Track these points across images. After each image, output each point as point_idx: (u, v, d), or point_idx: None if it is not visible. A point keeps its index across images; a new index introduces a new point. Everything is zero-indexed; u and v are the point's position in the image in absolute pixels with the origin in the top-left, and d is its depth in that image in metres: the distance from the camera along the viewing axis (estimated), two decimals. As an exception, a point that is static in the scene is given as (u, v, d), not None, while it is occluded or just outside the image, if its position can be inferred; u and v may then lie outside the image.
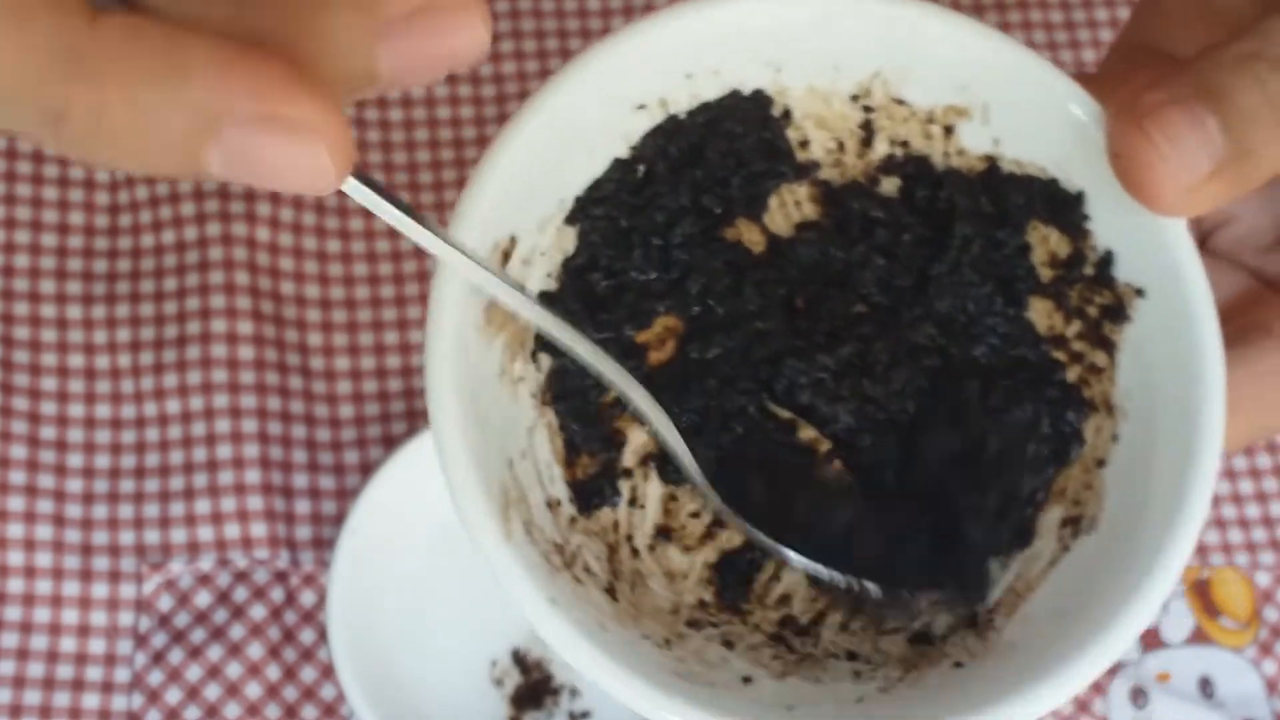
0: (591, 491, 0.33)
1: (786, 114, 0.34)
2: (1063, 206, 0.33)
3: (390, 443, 0.54)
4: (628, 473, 0.34)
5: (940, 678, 0.31)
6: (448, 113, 0.59)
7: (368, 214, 0.57)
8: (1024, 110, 0.32)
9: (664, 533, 0.34)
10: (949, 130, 0.33)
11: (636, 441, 0.34)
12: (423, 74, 0.24)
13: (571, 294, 0.33)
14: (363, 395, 0.55)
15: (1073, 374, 0.33)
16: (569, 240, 0.33)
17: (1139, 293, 0.32)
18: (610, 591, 0.31)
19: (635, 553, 0.33)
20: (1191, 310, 0.30)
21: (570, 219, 0.33)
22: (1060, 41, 0.62)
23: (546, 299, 0.32)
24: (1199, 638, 0.54)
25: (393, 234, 0.57)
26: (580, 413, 0.33)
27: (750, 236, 0.35)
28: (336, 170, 0.22)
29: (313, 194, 0.23)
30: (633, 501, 0.34)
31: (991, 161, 0.33)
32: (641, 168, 0.33)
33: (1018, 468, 0.33)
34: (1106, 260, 0.32)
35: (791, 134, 0.34)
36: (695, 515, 0.34)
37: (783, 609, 0.33)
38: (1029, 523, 0.33)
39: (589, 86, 0.31)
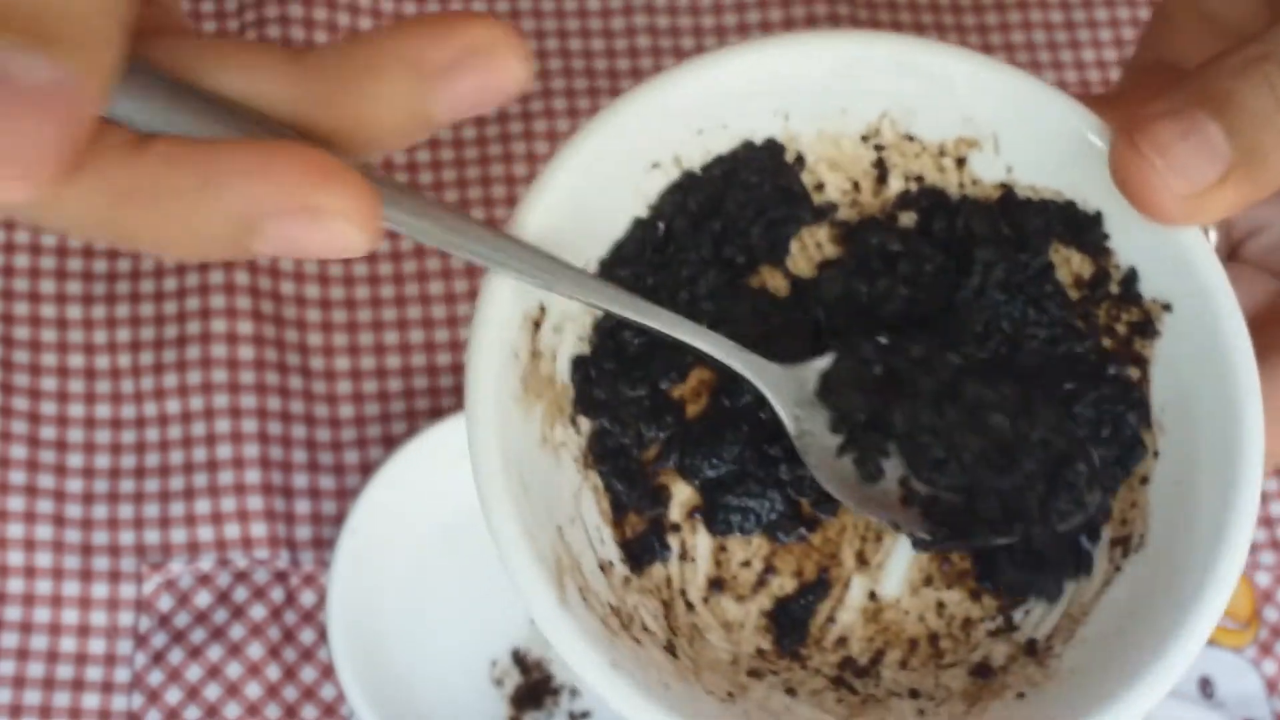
0: (642, 549, 0.33)
1: (800, 159, 0.34)
2: (1082, 227, 0.33)
3: (390, 443, 0.54)
4: (676, 527, 0.34)
5: (1004, 709, 0.31)
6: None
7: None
8: (1033, 136, 0.32)
9: (717, 584, 0.34)
10: (961, 162, 0.34)
11: (682, 495, 0.34)
12: (472, 112, 0.25)
13: (605, 354, 0.33)
14: (363, 395, 0.55)
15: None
16: None
17: (1166, 307, 0.32)
18: (670, 649, 0.32)
19: (690, 606, 0.33)
20: (1219, 321, 0.30)
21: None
22: (1060, 41, 0.62)
23: (580, 361, 0.33)
24: (1199, 638, 0.54)
25: (393, 234, 0.57)
26: (623, 472, 0.33)
27: (774, 282, 0.35)
28: (369, 236, 0.24)
29: (355, 255, 0.25)
30: (683, 556, 0.34)
31: (1007, 189, 0.33)
32: (661, 225, 0.33)
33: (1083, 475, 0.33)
34: (1130, 277, 0.33)
35: (806, 178, 0.34)
36: (746, 564, 0.34)
37: (841, 651, 0.33)
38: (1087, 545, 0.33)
39: (602, 151, 0.31)
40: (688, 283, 0.34)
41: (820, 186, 0.35)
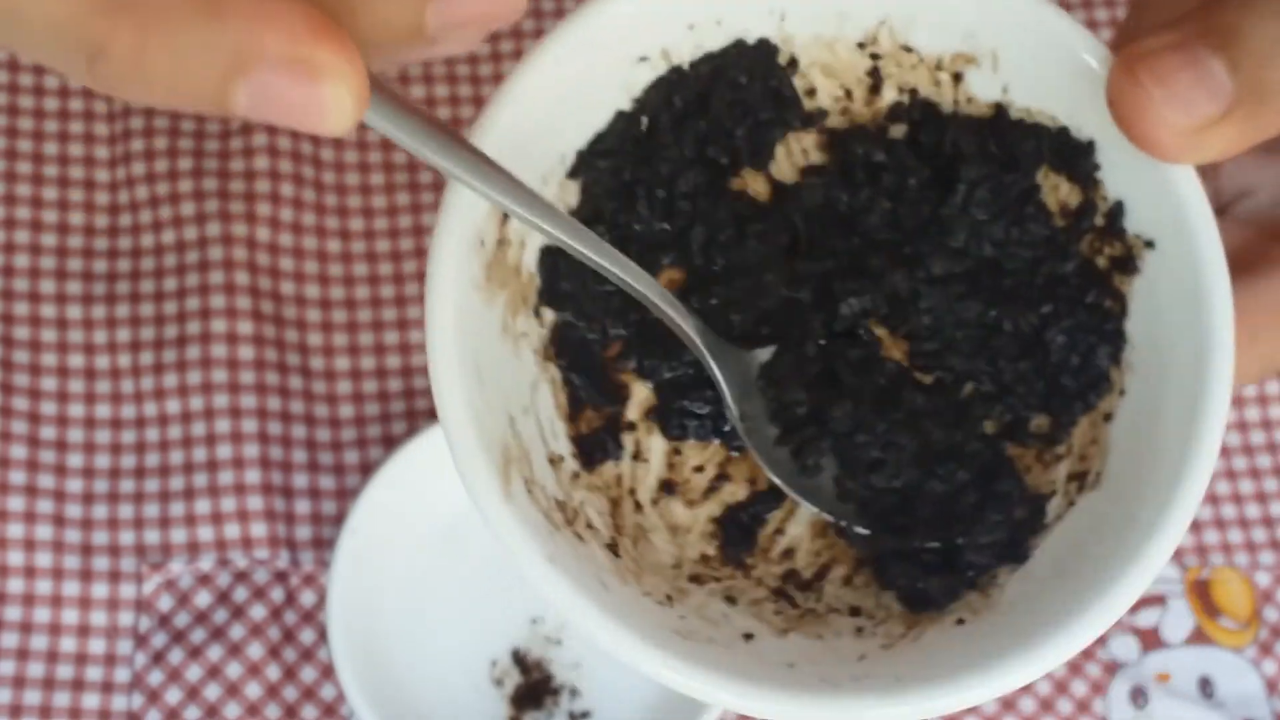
0: (595, 446, 0.33)
1: (792, 62, 0.33)
2: (1073, 155, 0.32)
3: (390, 443, 0.54)
4: (631, 426, 0.33)
5: (941, 634, 0.31)
6: (448, 112, 0.59)
7: (368, 213, 0.57)
8: (1033, 58, 0.31)
9: (668, 486, 0.33)
10: (957, 77, 0.33)
11: (640, 395, 0.34)
12: (465, 34, 0.25)
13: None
14: (363, 395, 0.55)
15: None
16: (572, 194, 0.33)
17: (1149, 244, 0.31)
18: (612, 547, 0.31)
19: (638, 507, 0.33)
20: (1200, 261, 0.30)
21: (573, 173, 0.33)
22: None
23: (549, 252, 0.32)
24: (1199, 638, 0.54)
25: (393, 234, 0.57)
26: (584, 367, 0.33)
27: (756, 186, 0.34)
28: (354, 111, 0.23)
29: (328, 134, 0.24)
30: (636, 455, 0.33)
31: (1000, 109, 0.33)
32: (645, 120, 0.33)
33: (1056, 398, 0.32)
34: (1117, 210, 0.32)
35: (798, 82, 0.34)
36: (699, 469, 0.34)
37: (786, 563, 0.33)
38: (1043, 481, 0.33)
39: (588, 40, 0.31)
40: (666, 180, 0.33)
41: (812, 92, 0.34)
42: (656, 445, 0.34)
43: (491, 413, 0.30)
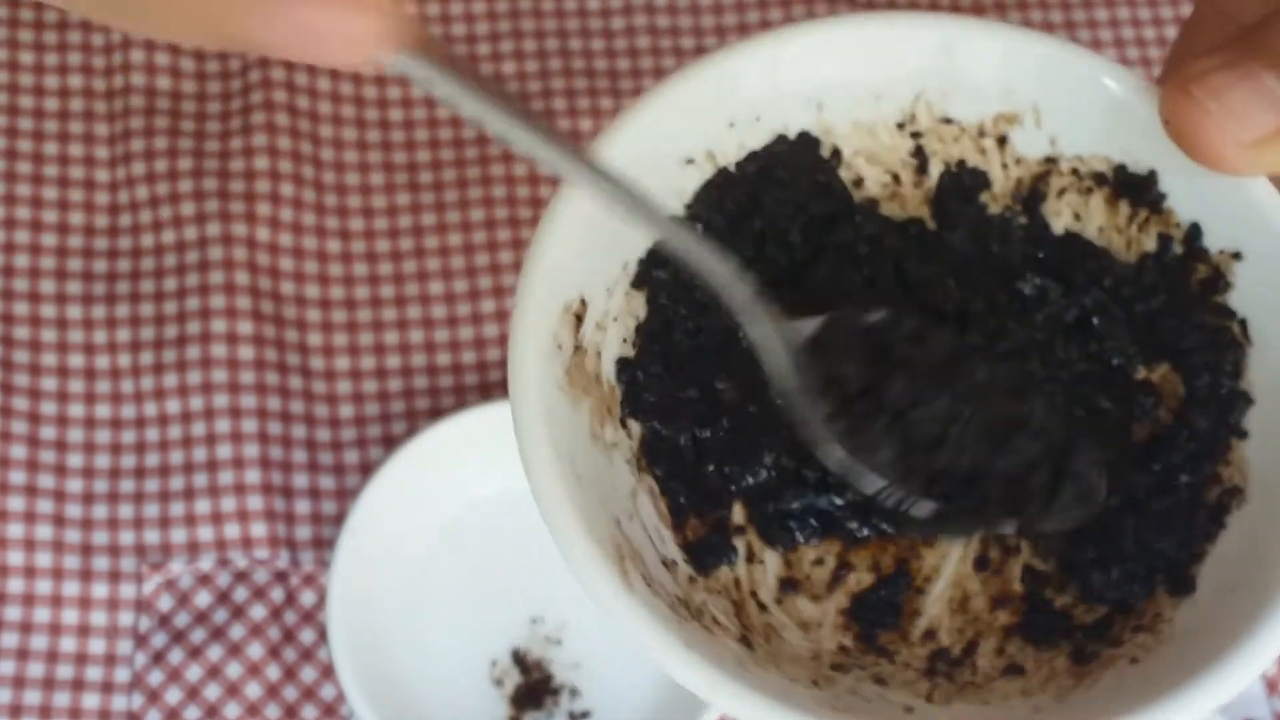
0: (705, 551, 0.32)
1: (836, 153, 0.33)
2: (1137, 189, 0.32)
3: (390, 443, 0.54)
4: (741, 529, 0.32)
5: (1118, 677, 0.30)
6: (447, 113, 0.59)
7: (367, 214, 0.57)
8: (1075, 104, 0.31)
9: (789, 584, 0.32)
10: (1002, 141, 0.33)
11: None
12: None
13: (650, 357, 0.32)
14: (363, 395, 0.55)
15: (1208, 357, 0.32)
16: (639, 305, 0.32)
17: (1235, 256, 0.31)
18: (745, 641, 0.30)
19: (763, 607, 0.32)
20: None
21: (636, 283, 0.32)
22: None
23: (624, 364, 0.32)
24: (1199, 638, 0.54)
25: (393, 234, 0.57)
26: (680, 475, 0.32)
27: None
28: (380, 39, 0.22)
29: (355, 67, 0.22)
30: (750, 558, 0.32)
31: (1051, 163, 0.33)
32: (699, 226, 0.32)
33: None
34: (1194, 234, 0.32)
35: (844, 174, 0.33)
36: (819, 562, 0.33)
37: (930, 644, 0.32)
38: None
39: (632, 146, 0.30)
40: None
41: (859, 182, 0.34)
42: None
43: (597, 513, 0.28)
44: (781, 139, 0.32)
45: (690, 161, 0.32)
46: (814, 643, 0.31)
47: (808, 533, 0.32)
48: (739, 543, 0.32)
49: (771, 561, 0.32)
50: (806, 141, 0.33)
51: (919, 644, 0.32)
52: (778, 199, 0.33)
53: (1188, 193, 0.31)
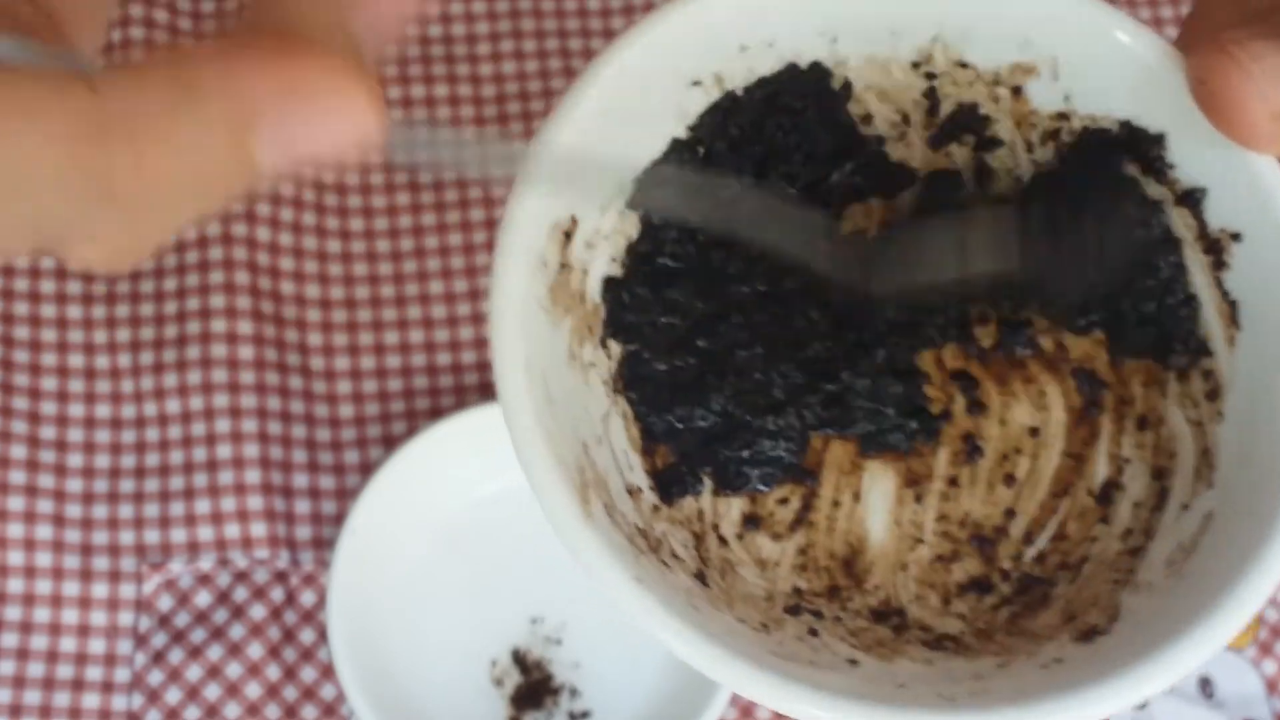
0: (672, 480, 0.32)
1: (847, 86, 0.33)
2: (1144, 147, 0.31)
3: (390, 443, 0.54)
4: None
5: (1061, 650, 0.30)
6: (448, 112, 0.59)
7: (367, 214, 0.58)
8: (1094, 62, 0.31)
9: (752, 520, 0.32)
10: (1017, 91, 0.32)
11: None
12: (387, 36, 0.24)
13: (638, 278, 0.32)
14: (362, 395, 0.55)
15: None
16: (631, 225, 0.32)
17: (1235, 237, 0.31)
18: (700, 577, 0.30)
19: (723, 541, 0.32)
20: None
21: (632, 203, 0.32)
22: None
23: (611, 283, 0.32)
24: (1199, 638, 0.54)
25: (393, 234, 0.57)
26: (654, 401, 0.32)
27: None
28: (375, 111, 0.22)
29: (363, 148, 0.22)
30: (716, 490, 0.32)
31: (1064, 118, 0.32)
32: (701, 149, 0.32)
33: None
34: (1197, 196, 0.31)
35: (853, 108, 0.33)
36: (784, 501, 0.33)
37: (880, 593, 0.32)
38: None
39: (640, 63, 0.30)
40: (726, 205, 0.32)
41: (868, 118, 0.33)
42: None
43: (565, 437, 0.28)
44: (792, 67, 0.32)
45: (697, 83, 0.31)
46: (769, 582, 0.31)
47: (766, 477, 0.32)
48: (705, 475, 0.32)
49: (736, 496, 0.32)
50: (818, 72, 0.32)
51: (871, 592, 0.32)
52: (783, 127, 0.33)
53: (1196, 164, 0.31)
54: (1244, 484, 0.30)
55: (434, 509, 0.52)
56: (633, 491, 0.30)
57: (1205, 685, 0.53)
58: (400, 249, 0.57)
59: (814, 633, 0.31)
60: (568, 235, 0.30)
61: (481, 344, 0.55)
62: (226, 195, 0.23)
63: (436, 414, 0.54)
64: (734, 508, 0.32)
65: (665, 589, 0.27)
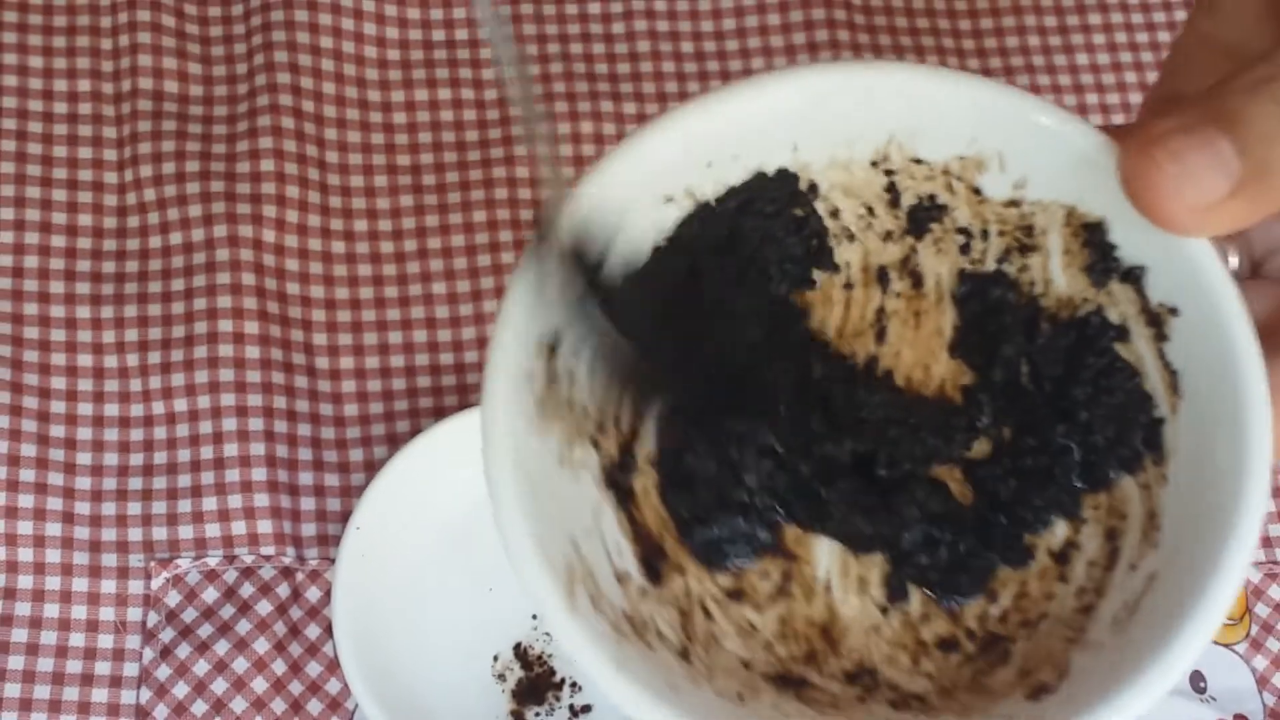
0: (656, 557, 0.33)
1: (813, 187, 0.34)
2: (1087, 232, 0.33)
3: (394, 441, 0.54)
4: None
5: (1017, 706, 0.31)
6: (450, 115, 0.60)
7: (371, 215, 0.58)
8: (1037, 154, 0.32)
9: (735, 594, 0.34)
10: (971, 184, 0.34)
11: None
12: None
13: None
14: (367, 394, 0.55)
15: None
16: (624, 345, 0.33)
17: (1173, 311, 0.32)
18: (684, 654, 0.32)
19: (709, 615, 0.33)
20: (1225, 323, 0.30)
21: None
22: (1059, 64, 0.63)
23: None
24: (1191, 633, 0.54)
25: (397, 235, 0.57)
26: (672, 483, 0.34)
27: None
28: None
29: None
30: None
31: (1015, 204, 0.34)
32: (680, 258, 0.33)
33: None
34: (1138, 273, 0.33)
35: (820, 205, 0.34)
36: (764, 575, 0.34)
37: (855, 654, 0.33)
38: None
39: (613, 188, 0.31)
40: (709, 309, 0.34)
41: (835, 213, 0.35)
42: None
43: (554, 538, 0.30)
44: (761, 175, 0.33)
45: (670, 200, 0.33)
46: (750, 651, 0.33)
47: (740, 556, 0.34)
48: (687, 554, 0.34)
49: (720, 574, 0.34)
50: (784, 176, 0.34)
51: (846, 655, 0.33)
52: (759, 230, 0.34)
53: (1136, 244, 0.32)
54: (1184, 546, 0.31)
55: (437, 506, 0.52)
56: (621, 578, 0.32)
57: (1197, 680, 0.54)
58: (404, 250, 0.57)
59: (789, 699, 0.32)
60: (552, 349, 0.31)
61: (485, 343, 0.56)
62: None
63: (440, 413, 0.54)
64: (718, 586, 0.34)
65: (646, 672, 0.30)
